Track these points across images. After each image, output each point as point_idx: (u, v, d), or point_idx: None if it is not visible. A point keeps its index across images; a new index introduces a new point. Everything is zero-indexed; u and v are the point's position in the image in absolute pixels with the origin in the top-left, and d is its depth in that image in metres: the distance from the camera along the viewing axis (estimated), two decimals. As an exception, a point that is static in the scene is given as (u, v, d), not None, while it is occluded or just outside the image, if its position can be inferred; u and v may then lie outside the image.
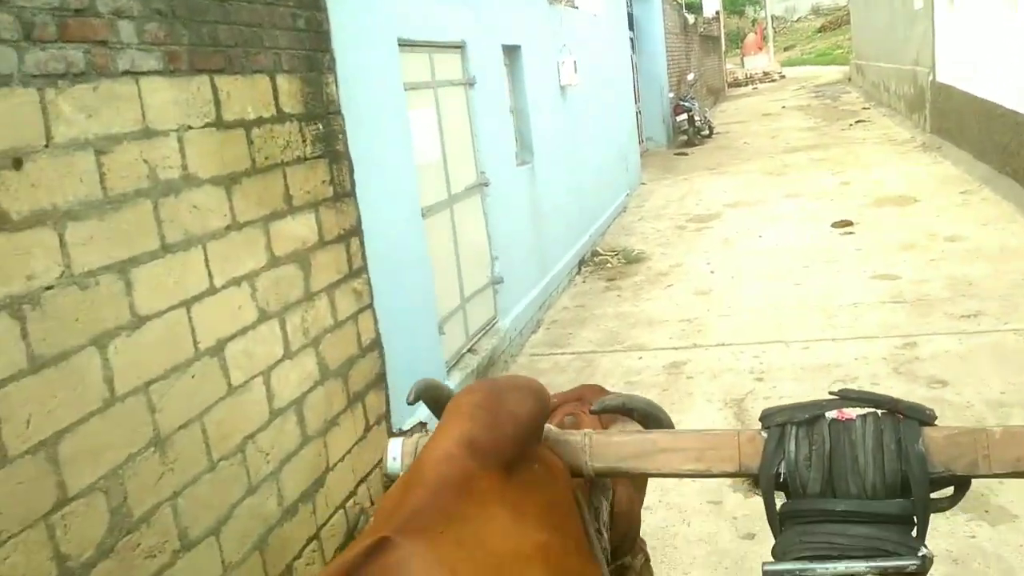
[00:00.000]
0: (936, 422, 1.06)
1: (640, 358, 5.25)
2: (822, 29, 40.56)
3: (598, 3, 9.80)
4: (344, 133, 3.65)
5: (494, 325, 5.42)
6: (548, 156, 6.97)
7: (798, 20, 44.34)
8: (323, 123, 3.49)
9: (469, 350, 4.93)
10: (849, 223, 8.01)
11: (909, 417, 1.05)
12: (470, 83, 5.26)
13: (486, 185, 5.43)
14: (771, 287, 6.37)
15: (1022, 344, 4.71)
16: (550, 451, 1.13)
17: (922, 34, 13.08)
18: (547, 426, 1.16)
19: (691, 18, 21.28)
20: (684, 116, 15.39)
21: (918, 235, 7.34)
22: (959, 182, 9.40)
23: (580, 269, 7.67)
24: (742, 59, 32.93)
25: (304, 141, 3.34)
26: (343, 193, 3.62)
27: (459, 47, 5.17)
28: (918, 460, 1.02)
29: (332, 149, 3.55)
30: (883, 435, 1.04)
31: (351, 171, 3.68)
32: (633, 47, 14.40)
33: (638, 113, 14.35)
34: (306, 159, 3.35)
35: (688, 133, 15.49)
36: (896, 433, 1.04)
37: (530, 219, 6.34)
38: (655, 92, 15.29)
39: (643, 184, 11.88)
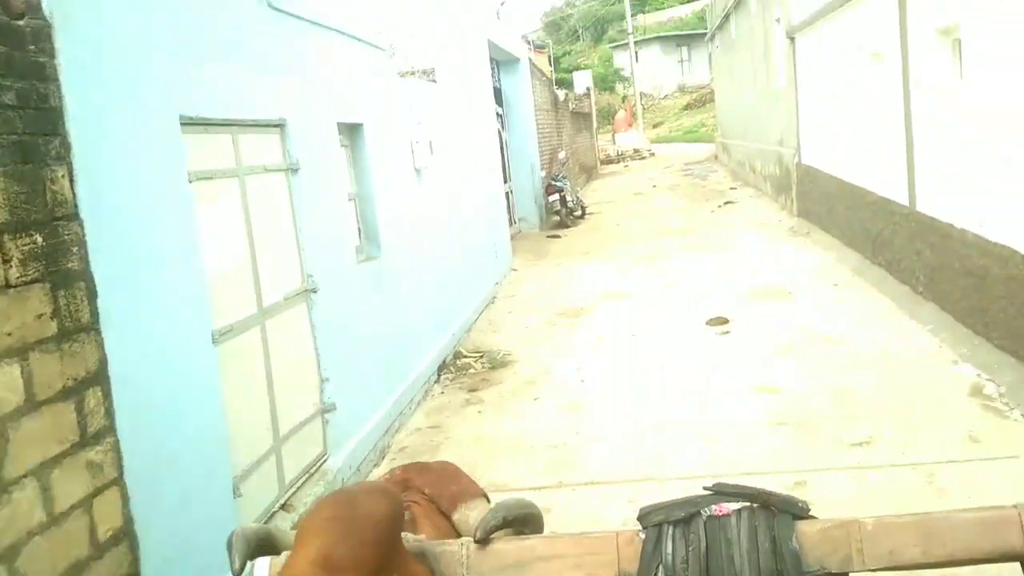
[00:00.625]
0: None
1: (499, 503, 4.36)
2: (688, 107, 41.98)
3: (460, 76, 9.17)
4: (83, 244, 2.68)
5: (322, 465, 4.42)
6: (400, 248, 6.12)
7: (665, 97, 45.87)
8: (44, 234, 2.51)
9: (283, 506, 3.91)
10: (724, 320, 7.51)
11: (782, 511, 1.07)
12: (292, 168, 4.37)
13: (314, 291, 4.50)
14: (646, 402, 5.67)
15: (922, 484, 4.14)
16: (415, 561, 1.09)
17: (786, 113, 13.15)
18: (420, 536, 1.16)
19: (562, 94, 21.26)
20: (556, 196, 14.97)
21: (795, 335, 6.89)
22: (831, 272, 9.19)
23: (439, 376, 6.76)
24: (613, 136, 33.50)
25: (7, 262, 2.35)
26: (76, 328, 2.62)
27: (278, 125, 4.29)
28: (792, 558, 1.02)
29: (59, 269, 2.57)
30: (757, 532, 1.05)
31: (92, 296, 2.70)
32: (502, 123, 13.93)
33: (508, 193, 13.79)
34: (9, 287, 2.36)
35: (561, 214, 15.08)
36: (770, 530, 1.05)
37: (375, 325, 5.42)
38: (526, 170, 14.82)
39: (514, 270, 11.19)
